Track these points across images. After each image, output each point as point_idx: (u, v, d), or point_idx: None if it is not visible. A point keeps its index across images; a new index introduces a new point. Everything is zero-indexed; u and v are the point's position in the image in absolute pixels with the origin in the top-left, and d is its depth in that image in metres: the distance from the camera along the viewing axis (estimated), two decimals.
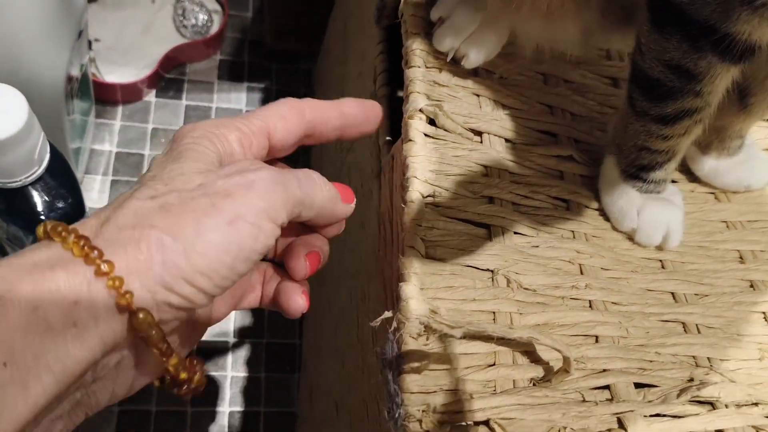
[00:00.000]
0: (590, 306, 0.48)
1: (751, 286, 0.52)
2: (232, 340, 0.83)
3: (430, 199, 0.45)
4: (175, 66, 0.95)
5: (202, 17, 0.96)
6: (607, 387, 0.43)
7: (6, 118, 0.48)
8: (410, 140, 0.46)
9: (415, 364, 0.39)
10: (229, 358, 0.82)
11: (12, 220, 0.56)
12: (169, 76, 0.94)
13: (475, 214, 0.47)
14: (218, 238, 0.28)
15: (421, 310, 0.40)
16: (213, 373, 0.81)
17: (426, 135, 0.47)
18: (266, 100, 0.97)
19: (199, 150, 0.32)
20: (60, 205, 0.58)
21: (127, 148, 0.89)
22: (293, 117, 0.36)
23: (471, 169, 0.48)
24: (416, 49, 0.50)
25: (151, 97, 0.93)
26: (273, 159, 0.38)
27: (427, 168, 0.46)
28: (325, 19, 0.92)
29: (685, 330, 0.49)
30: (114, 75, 0.89)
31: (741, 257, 0.53)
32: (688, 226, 0.52)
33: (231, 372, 0.81)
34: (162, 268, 0.27)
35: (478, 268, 0.45)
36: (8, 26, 0.57)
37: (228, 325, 0.84)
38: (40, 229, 0.28)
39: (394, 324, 0.40)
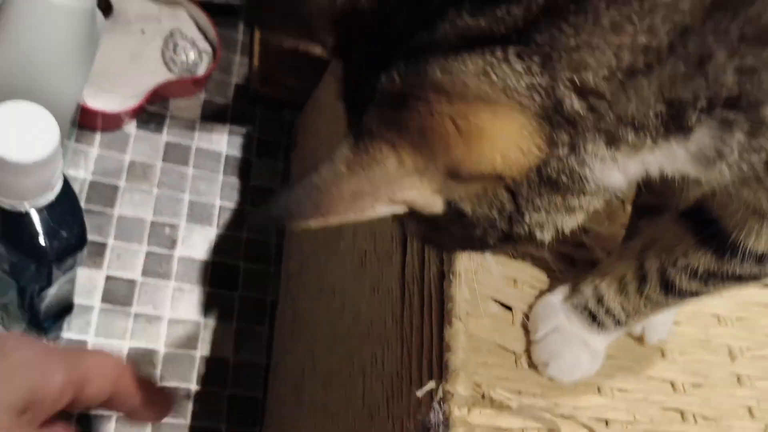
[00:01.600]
0: (599, 391, 0.50)
1: (738, 380, 0.56)
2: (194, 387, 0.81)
3: (471, 274, 0.46)
4: (159, 100, 0.93)
5: (192, 55, 0.95)
6: None
7: (38, 141, 0.47)
8: None
9: None
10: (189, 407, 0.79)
11: (13, 245, 0.54)
12: (151, 109, 0.93)
13: (504, 295, 0.48)
14: None
15: (468, 382, 0.40)
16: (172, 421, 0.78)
17: None
18: (247, 145, 0.97)
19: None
20: (65, 234, 0.56)
21: (102, 178, 0.86)
22: (107, 383, 0.40)
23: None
24: None
25: (131, 128, 0.91)
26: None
27: None
28: (315, 72, 0.93)
29: (683, 418, 0.52)
30: (97, 101, 0.87)
31: (730, 352, 0.57)
32: (689, 316, 0.55)
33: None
34: None
35: (506, 349, 0.46)
36: (34, 48, 0.55)
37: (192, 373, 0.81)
38: None
39: (440, 394, 0.40)
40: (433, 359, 0.43)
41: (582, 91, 0.30)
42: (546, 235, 0.36)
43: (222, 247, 0.90)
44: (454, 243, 0.39)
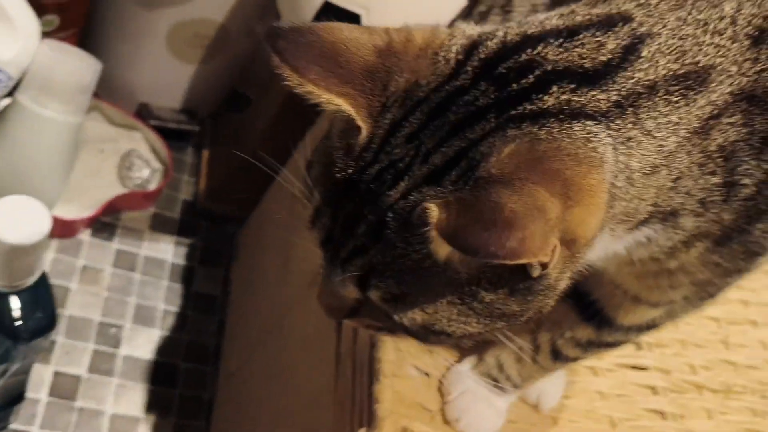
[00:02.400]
0: None
1: None
2: None
3: None
4: (112, 212, 1.02)
5: (145, 172, 1.06)
6: None
7: (33, 226, 0.55)
8: None
9: None
10: None
11: None
12: (104, 220, 1.01)
13: (423, 362, 0.58)
14: None
15: (393, 428, 0.49)
16: None
17: None
18: (191, 255, 1.06)
19: None
20: (39, 315, 0.63)
21: (55, 280, 0.93)
22: None
23: None
24: None
25: (85, 235, 0.99)
26: None
27: None
28: (257, 191, 1.04)
29: None
30: (56, 209, 0.95)
31: (611, 421, 0.67)
32: (577, 391, 0.66)
33: None
34: None
35: (424, 407, 0.56)
36: (27, 154, 0.65)
37: None
38: None
39: None
40: (363, 412, 0.52)
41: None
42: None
43: (164, 347, 0.96)
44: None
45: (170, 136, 1.10)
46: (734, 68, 0.37)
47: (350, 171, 0.37)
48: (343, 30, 0.37)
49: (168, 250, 1.05)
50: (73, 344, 0.90)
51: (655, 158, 0.37)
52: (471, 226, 0.31)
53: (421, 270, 0.36)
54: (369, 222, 0.37)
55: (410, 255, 0.36)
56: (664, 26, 0.37)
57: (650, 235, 0.42)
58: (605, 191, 0.35)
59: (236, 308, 1.00)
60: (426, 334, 0.40)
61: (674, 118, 0.37)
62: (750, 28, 0.38)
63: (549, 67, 0.36)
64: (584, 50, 0.36)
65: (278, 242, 0.92)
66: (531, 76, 0.35)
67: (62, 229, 0.96)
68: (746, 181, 0.40)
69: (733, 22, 0.38)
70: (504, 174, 0.33)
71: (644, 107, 0.36)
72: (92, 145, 1.06)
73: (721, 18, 0.38)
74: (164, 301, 1.00)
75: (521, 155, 0.33)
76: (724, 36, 0.37)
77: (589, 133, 0.35)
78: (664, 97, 0.36)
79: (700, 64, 0.37)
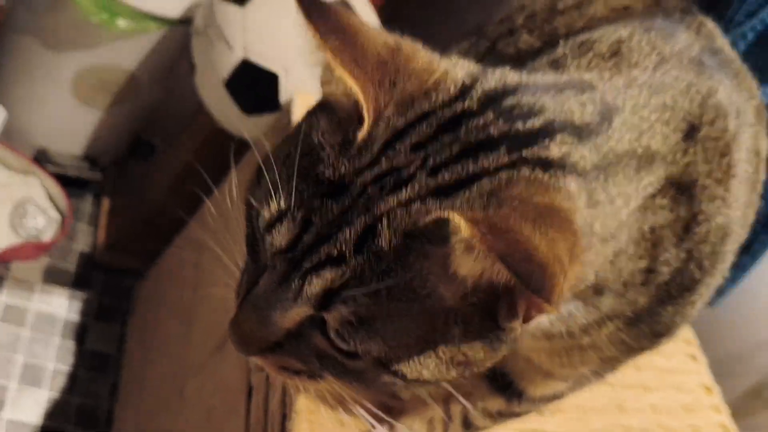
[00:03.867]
0: None
1: None
2: None
3: None
4: (1, 262, 0.96)
5: (40, 222, 1.00)
6: None
7: None
8: None
9: None
10: None
11: None
12: None
13: None
14: None
15: None
16: None
17: None
18: (86, 310, 1.00)
19: None
20: None
21: None
22: None
23: None
24: None
25: None
26: None
27: None
28: (159, 241, 1.01)
29: None
30: None
31: None
32: None
33: None
34: None
35: None
36: None
37: None
38: None
39: None
40: None
41: None
42: None
43: (52, 410, 0.90)
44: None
45: (69, 183, 1.05)
46: (670, 156, 0.40)
47: (343, 170, 0.36)
48: (359, 19, 0.38)
49: (61, 305, 0.99)
50: None
51: (611, 225, 0.39)
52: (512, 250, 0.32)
53: (402, 292, 0.35)
54: (356, 228, 0.36)
55: (397, 272, 0.35)
56: (625, 103, 0.40)
57: (572, 311, 0.44)
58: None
59: (132, 369, 0.95)
60: (372, 375, 0.39)
61: (629, 190, 0.39)
62: (683, 122, 0.41)
63: (551, 116, 0.37)
64: (574, 107, 0.38)
65: (181, 298, 0.89)
66: (536, 120, 0.37)
67: None
68: (664, 269, 0.42)
69: (673, 114, 0.41)
70: (526, 213, 0.33)
71: (612, 174, 0.38)
72: None
73: (665, 107, 0.41)
74: (55, 359, 0.94)
75: (538, 201, 0.34)
76: (668, 126, 0.40)
77: (578, 191, 0.36)
78: (625, 169, 0.39)
79: (651, 149, 0.40)
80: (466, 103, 0.37)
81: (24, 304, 0.95)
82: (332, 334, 0.37)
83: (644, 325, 0.47)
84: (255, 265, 0.40)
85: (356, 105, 0.37)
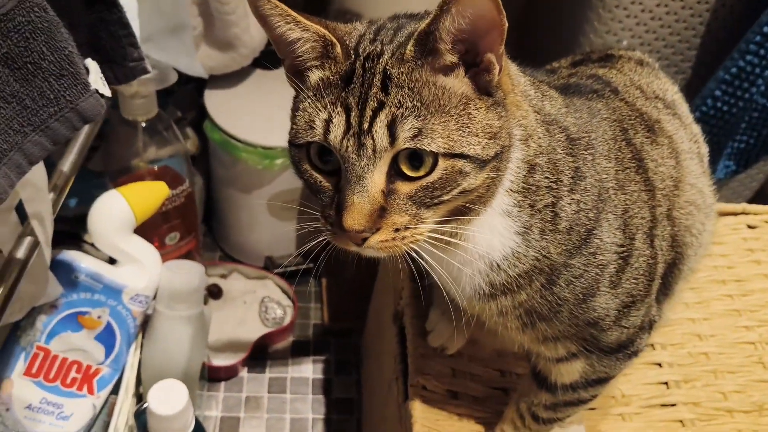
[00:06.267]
0: None
1: None
2: None
3: None
4: (260, 348, 1.31)
5: (279, 311, 1.34)
6: None
7: (176, 401, 0.82)
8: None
9: None
10: None
11: None
12: (256, 356, 1.30)
13: None
14: None
15: None
16: None
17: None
18: (328, 368, 1.31)
19: None
20: None
21: (228, 413, 1.22)
22: None
23: None
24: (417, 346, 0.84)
25: (243, 372, 1.28)
26: None
27: None
28: (366, 303, 1.28)
29: None
30: (218, 359, 1.25)
31: None
32: None
33: None
34: None
35: None
36: (169, 343, 0.94)
37: None
38: None
39: None
40: None
41: None
42: None
43: None
44: None
45: (293, 276, 1.38)
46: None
47: (348, 64, 0.50)
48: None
49: (308, 368, 1.31)
50: None
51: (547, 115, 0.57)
52: None
53: (431, 100, 0.48)
54: (376, 81, 0.48)
55: (415, 85, 0.48)
56: None
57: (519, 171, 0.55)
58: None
59: (366, 407, 1.23)
60: (446, 170, 0.49)
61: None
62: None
63: None
64: None
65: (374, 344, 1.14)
66: None
67: (226, 373, 1.26)
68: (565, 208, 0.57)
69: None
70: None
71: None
72: (237, 299, 1.37)
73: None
74: (311, 411, 1.25)
75: None
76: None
77: None
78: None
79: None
80: None
81: (283, 375, 1.29)
82: (405, 165, 0.49)
83: (562, 280, 0.57)
84: (327, 180, 0.53)
85: (324, 38, 0.51)
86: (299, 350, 1.33)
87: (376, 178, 0.50)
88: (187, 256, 1.21)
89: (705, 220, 0.66)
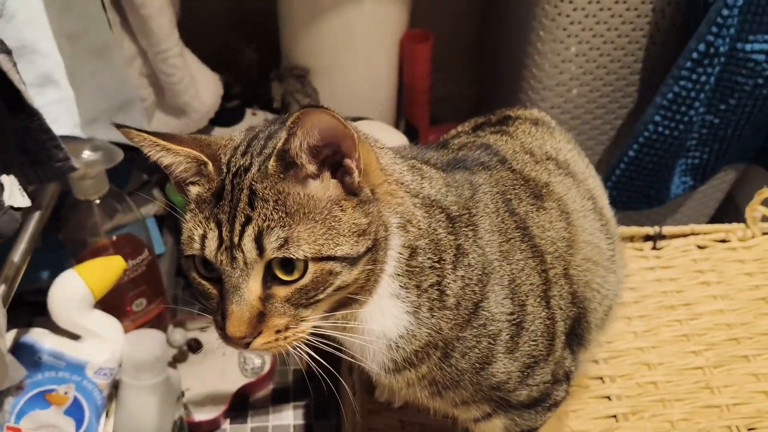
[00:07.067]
0: None
1: None
2: None
3: None
4: (240, 398, 1.34)
5: (258, 360, 1.37)
6: None
7: None
8: None
9: None
10: None
11: None
12: (236, 407, 1.33)
13: None
14: None
15: None
16: None
17: None
18: (307, 413, 1.34)
19: None
20: None
21: None
22: None
23: None
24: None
25: (226, 424, 1.31)
26: None
27: None
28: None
29: None
30: (199, 414, 1.28)
31: None
32: None
33: None
34: None
35: None
36: (137, 410, 0.97)
37: None
38: None
39: None
40: None
41: None
42: None
43: None
44: None
45: None
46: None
47: (219, 181, 0.54)
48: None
49: (289, 416, 1.33)
50: None
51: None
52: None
53: (296, 208, 0.51)
54: (243, 197, 0.52)
55: (283, 201, 0.51)
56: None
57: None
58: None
59: None
60: (317, 273, 0.52)
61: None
62: None
63: None
64: None
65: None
66: None
67: (209, 426, 1.29)
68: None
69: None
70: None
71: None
72: (217, 351, 1.40)
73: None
74: None
75: None
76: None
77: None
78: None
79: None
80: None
81: (264, 424, 1.32)
82: (279, 271, 0.52)
83: (457, 353, 0.60)
84: (213, 287, 0.56)
85: (196, 158, 0.55)
86: (279, 397, 1.36)
87: (251, 287, 0.53)
88: (158, 318, 1.24)
89: (605, 273, 0.68)
